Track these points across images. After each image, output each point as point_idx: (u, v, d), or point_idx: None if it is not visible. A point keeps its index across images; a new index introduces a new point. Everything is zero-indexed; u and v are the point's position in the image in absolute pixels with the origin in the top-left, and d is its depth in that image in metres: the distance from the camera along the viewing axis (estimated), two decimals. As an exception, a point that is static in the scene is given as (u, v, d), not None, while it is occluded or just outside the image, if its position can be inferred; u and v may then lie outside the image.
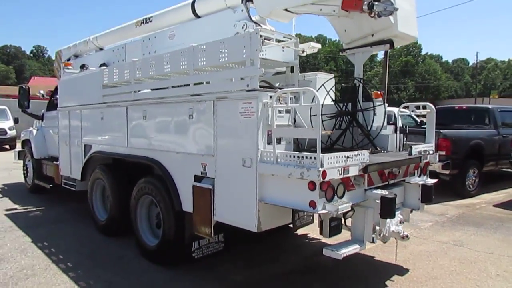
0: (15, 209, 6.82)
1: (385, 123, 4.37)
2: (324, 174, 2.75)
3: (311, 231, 5.47)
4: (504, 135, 8.64)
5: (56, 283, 3.86)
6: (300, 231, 5.55)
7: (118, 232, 5.21)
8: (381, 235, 3.40)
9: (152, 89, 4.37)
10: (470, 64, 74.76)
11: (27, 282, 3.89)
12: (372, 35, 4.30)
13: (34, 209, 6.84)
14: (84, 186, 6.23)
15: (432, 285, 3.92)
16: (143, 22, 6.41)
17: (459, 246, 5.12)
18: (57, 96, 7.70)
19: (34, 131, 7.87)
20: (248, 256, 4.64)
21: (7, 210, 6.72)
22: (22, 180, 8.57)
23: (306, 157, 2.84)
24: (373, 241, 3.48)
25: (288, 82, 4.14)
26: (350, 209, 3.08)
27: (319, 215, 3.03)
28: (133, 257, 4.54)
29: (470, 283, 3.98)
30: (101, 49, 7.95)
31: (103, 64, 7.39)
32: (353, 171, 3.06)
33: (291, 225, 4.92)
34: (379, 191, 3.23)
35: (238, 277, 4.08)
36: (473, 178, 8.17)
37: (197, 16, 5.49)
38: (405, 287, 3.87)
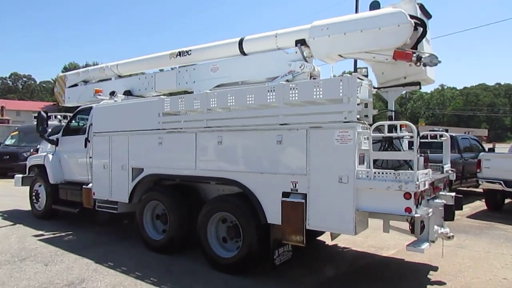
0: (42, 235, 6.73)
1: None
2: (419, 186, 3.65)
3: (339, 241, 6.26)
4: (465, 159, 10.38)
5: None
6: (329, 243, 6.31)
7: (177, 249, 5.57)
8: (441, 234, 4.33)
9: (230, 118, 4.97)
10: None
11: (129, 295, 4.18)
12: (405, 77, 5.40)
13: (64, 233, 6.82)
14: (128, 208, 6.48)
15: (463, 276, 4.93)
16: (179, 55, 7.00)
17: (462, 248, 6.27)
18: (75, 121, 7.86)
19: (50, 156, 7.81)
20: (304, 264, 5.31)
21: (35, 236, 6.62)
22: (21, 206, 8.30)
23: (402, 174, 3.73)
24: (433, 241, 4.39)
25: (361, 115, 4.94)
26: (431, 213, 3.99)
27: (411, 219, 3.89)
28: (206, 270, 4.97)
29: (488, 274, 5.05)
30: (120, 76, 8.29)
31: (128, 91, 7.77)
32: (427, 184, 4.00)
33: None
34: (440, 200, 4.20)
35: (308, 279, 4.74)
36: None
37: (243, 54, 6.26)
38: (444, 279, 4.82)
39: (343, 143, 4.01)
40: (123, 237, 6.67)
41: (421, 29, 4.85)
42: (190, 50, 6.87)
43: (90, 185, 6.88)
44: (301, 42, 5.53)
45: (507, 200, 9.68)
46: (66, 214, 8.07)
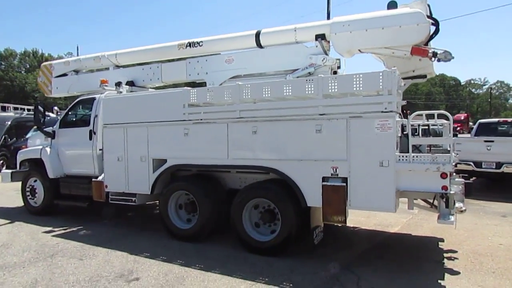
0: (53, 230, 6.49)
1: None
2: (453, 167, 4.21)
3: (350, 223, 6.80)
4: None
5: (231, 282, 4.35)
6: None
7: (206, 237, 5.74)
8: (456, 208, 4.95)
9: (266, 109, 5.18)
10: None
11: (198, 281, 4.34)
12: (413, 71, 5.97)
13: (75, 228, 6.64)
14: (147, 199, 6.48)
15: (467, 244, 5.66)
16: (189, 46, 7.03)
17: (470, 216, 7.02)
18: (77, 112, 7.58)
19: (48, 149, 7.45)
20: (328, 243, 5.75)
21: (47, 232, 6.38)
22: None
23: (439, 157, 4.26)
24: (453, 214, 5.01)
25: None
26: (460, 190, 4.59)
27: (434, 196, 4.46)
28: (244, 254, 5.20)
29: (485, 241, 5.84)
30: (117, 66, 8.09)
31: (130, 82, 7.64)
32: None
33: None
34: (460, 179, 4.83)
35: (340, 255, 5.19)
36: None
37: (260, 46, 6.47)
38: (454, 248, 5.52)
39: (383, 131, 4.45)
40: (140, 228, 6.67)
41: (434, 27, 5.41)
42: (202, 42, 6.93)
43: (100, 177, 6.74)
44: (321, 37, 5.87)
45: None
46: (64, 209, 7.81)
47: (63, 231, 6.47)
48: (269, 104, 5.21)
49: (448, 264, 4.89)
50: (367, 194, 4.58)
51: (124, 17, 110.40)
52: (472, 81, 75.18)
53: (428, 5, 5.61)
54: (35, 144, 8.11)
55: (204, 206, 5.69)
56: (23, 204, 7.97)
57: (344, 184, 4.65)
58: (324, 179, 4.79)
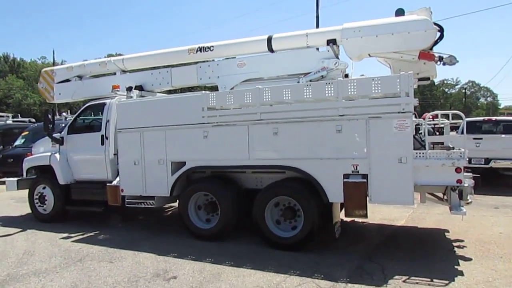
0: (70, 236, 6.51)
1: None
2: (466, 162, 4.60)
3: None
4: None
5: (265, 276, 4.58)
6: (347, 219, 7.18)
7: (227, 236, 5.94)
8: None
9: (286, 111, 5.44)
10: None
11: (234, 276, 4.54)
12: (418, 73, 6.37)
13: (92, 233, 6.68)
14: (166, 201, 6.60)
15: (471, 234, 6.09)
16: (200, 50, 7.21)
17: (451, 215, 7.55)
18: (86, 118, 7.62)
19: (57, 156, 7.43)
20: (343, 238, 6.07)
21: (65, 238, 6.40)
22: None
23: (454, 153, 4.64)
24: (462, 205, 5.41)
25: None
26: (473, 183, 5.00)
27: (445, 189, 4.85)
28: (268, 250, 5.43)
29: (487, 230, 6.29)
30: (124, 71, 8.16)
31: (139, 86, 7.74)
32: (464, 161, 5.00)
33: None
34: (469, 173, 5.25)
35: (358, 248, 5.51)
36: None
37: (271, 51, 6.73)
38: (460, 237, 5.94)
39: (401, 130, 4.80)
40: (157, 231, 6.78)
41: (439, 33, 5.83)
42: (213, 46, 7.11)
43: (115, 182, 6.81)
44: (332, 42, 6.19)
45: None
46: (73, 215, 7.81)
47: (80, 236, 6.50)
48: (289, 106, 5.48)
49: (458, 251, 5.29)
50: (387, 189, 4.92)
51: (100, 21, 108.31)
52: (446, 81, 78.06)
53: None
54: (39, 152, 8.06)
55: (225, 206, 5.89)
56: (27, 212, 7.92)
57: (365, 180, 4.97)
58: (345, 176, 5.09)
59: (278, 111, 5.52)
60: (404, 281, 4.28)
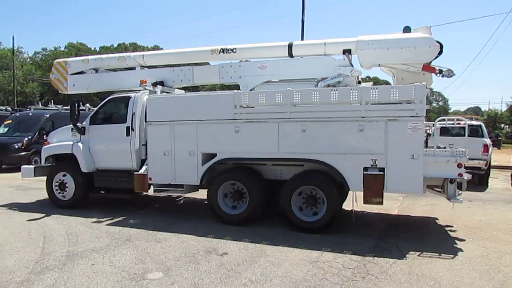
0: (100, 221, 6.87)
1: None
2: (467, 159, 5.64)
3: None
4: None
5: (303, 252, 5.30)
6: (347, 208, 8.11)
7: (254, 221, 6.63)
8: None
9: (314, 111, 6.22)
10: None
11: (277, 252, 5.23)
12: (417, 82, 7.39)
13: (121, 218, 7.08)
14: (193, 189, 7.16)
15: (457, 221, 7.21)
16: (223, 52, 7.83)
17: (436, 206, 8.72)
18: (110, 110, 7.96)
19: (80, 145, 7.70)
20: (351, 223, 6.96)
21: (97, 222, 6.76)
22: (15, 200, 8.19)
23: (457, 151, 5.66)
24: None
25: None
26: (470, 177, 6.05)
27: (443, 182, 5.86)
28: (295, 233, 6.19)
29: (469, 218, 7.47)
30: (143, 66, 8.56)
31: (160, 82, 8.20)
32: (463, 158, 6.03)
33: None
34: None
35: (369, 231, 6.42)
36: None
37: (291, 56, 7.48)
38: (449, 223, 7.03)
39: (414, 131, 5.75)
40: (185, 216, 7.36)
41: (439, 49, 6.86)
42: (235, 49, 7.75)
43: (142, 171, 7.25)
44: (348, 51, 7.06)
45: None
46: (90, 202, 8.12)
47: (111, 221, 6.90)
48: (316, 107, 6.26)
49: (452, 234, 6.35)
50: (401, 180, 5.85)
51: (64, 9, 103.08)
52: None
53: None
54: (57, 141, 8.26)
55: (253, 193, 6.58)
56: (36, 199, 8.31)
57: (382, 173, 5.88)
58: (365, 169, 5.97)
59: (306, 111, 6.29)
60: (418, 255, 5.22)
